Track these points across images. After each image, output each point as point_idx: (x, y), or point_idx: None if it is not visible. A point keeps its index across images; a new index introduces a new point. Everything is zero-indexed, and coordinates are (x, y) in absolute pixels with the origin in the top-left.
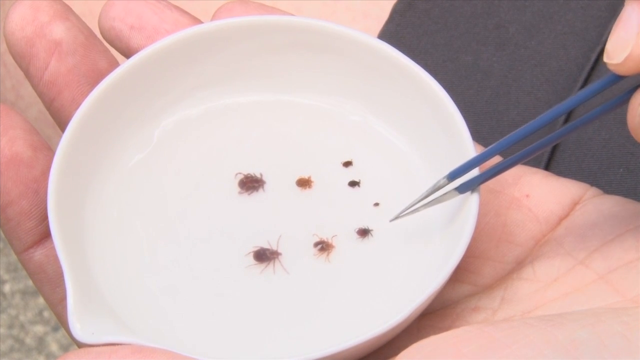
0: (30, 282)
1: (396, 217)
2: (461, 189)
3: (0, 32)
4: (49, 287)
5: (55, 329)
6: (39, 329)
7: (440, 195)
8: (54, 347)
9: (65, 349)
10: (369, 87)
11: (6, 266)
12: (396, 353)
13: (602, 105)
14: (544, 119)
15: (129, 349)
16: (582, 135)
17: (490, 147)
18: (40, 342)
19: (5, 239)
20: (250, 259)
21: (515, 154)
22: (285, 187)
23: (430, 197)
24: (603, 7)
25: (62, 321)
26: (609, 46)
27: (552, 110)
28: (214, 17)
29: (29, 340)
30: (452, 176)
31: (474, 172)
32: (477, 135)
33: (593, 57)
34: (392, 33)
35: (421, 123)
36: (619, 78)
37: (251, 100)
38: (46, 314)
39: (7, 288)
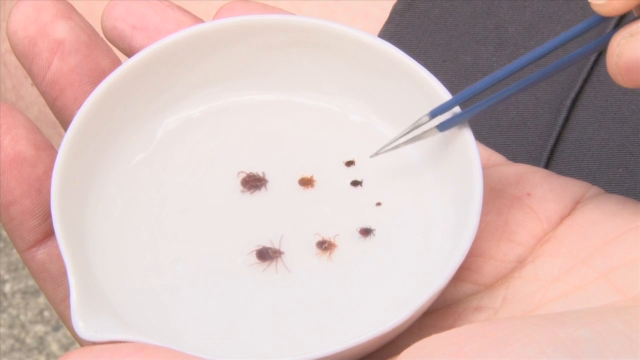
0: (30, 282)
1: (376, 154)
2: (441, 127)
3: (1, 32)
4: (51, 285)
5: (55, 329)
6: (40, 328)
7: (421, 133)
8: (54, 347)
9: (65, 348)
10: (372, 87)
11: (7, 266)
12: (397, 352)
13: (584, 46)
14: (526, 59)
15: (132, 347)
16: (582, 135)
17: (471, 86)
18: (41, 341)
19: (5, 239)
20: (253, 258)
21: (495, 94)
22: (288, 186)
23: (411, 134)
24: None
25: (64, 320)
26: None
27: (535, 50)
28: (215, 17)
29: (29, 340)
30: (434, 114)
31: (456, 110)
32: (477, 134)
33: (593, 57)
34: (392, 33)
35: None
36: (601, 20)
37: (253, 99)
38: (47, 313)
39: (7, 288)
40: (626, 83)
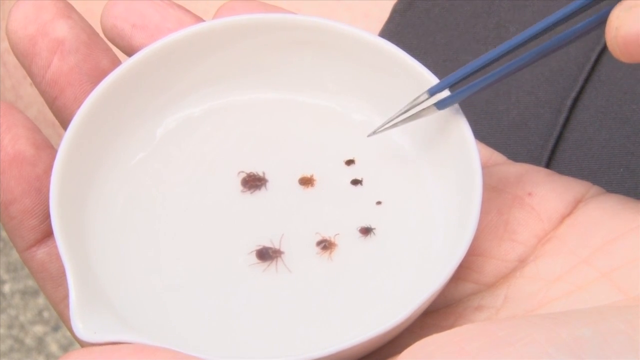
0: (30, 282)
1: (374, 132)
2: (440, 105)
3: (0, 32)
4: (51, 285)
5: (55, 329)
6: (39, 329)
7: (420, 111)
8: (53, 348)
9: (65, 349)
10: (373, 86)
11: (6, 266)
12: (399, 351)
13: (583, 22)
14: (526, 34)
15: (131, 348)
16: (583, 135)
17: (469, 63)
18: (40, 342)
19: (5, 239)
20: (253, 258)
21: (494, 71)
22: (288, 186)
23: (410, 111)
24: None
25: (64, 320)
26: None
27: (536, 25)
28: (216, 16)
29: (28, 341)
30: (432, 92)
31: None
32: (478, 135)
33: (593, 57)
34: (392, 33)
35: (424, 122)
36: None
37: (254, 98)
38: (46, 314)
39: (7, 288)
40: (624, 57)
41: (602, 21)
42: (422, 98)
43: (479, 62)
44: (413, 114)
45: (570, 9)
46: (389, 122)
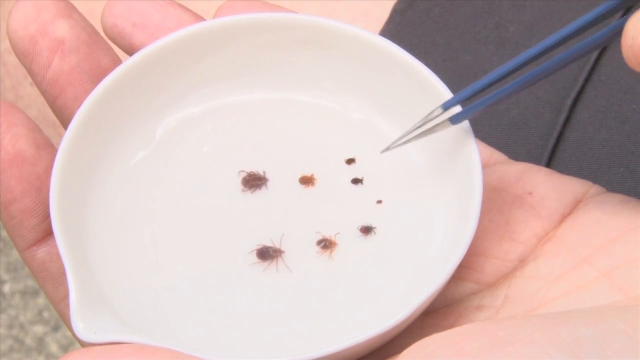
0: (30, 282)
1: (388, 148)
2: (454, 120)
3: (1, 31)
4: (51, 285)
5: (55, 329)
6: (39, 329)
7: (433, 126)
8: (53, 348)
9: (65, 349)
10: (373, 85)
11: (6, 266)
12: (399, 351)
13: (597, 34)
14: (539, 47)
15: (131, 348)
16: (583, 134)
17: (483, 78)
18: (40, 342)
19: (5, 239)
20: (254, 257)
21: (508, 84)
22: (289, 185)
23: (423, 127)
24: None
25: (64, 319)
26: None
27: (545, 40)
28: (216, 15)
29: (28, 341)
30: (447, 106)
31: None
32: (478, 134)
33: (593, 56)
34: (392, 33)
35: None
36: (616, 2)
37: (254, 98)
38: (46, 314)
39: (6, 288)
40: None
41: (616, 32)
42: (435, 113)
43: (493, 75)
44: (426, 130)
45: (582, 22)
46: (402, 138)
